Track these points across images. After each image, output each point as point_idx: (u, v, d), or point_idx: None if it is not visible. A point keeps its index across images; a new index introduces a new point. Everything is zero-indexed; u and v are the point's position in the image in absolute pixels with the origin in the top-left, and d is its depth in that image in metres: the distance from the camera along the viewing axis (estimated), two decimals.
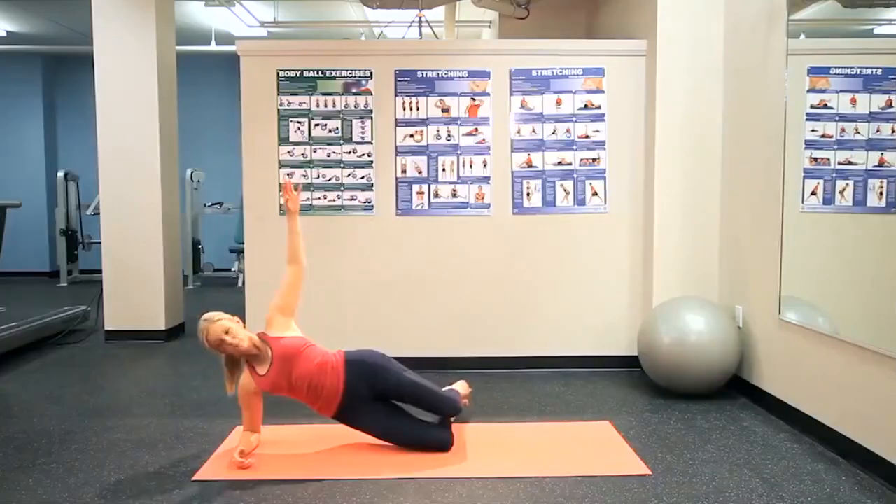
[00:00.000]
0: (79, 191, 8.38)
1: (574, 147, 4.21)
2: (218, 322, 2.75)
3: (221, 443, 3.00)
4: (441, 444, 2.87)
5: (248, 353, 2.81)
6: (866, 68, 2.81)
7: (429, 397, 2.90)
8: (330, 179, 4.20)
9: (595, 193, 4.22)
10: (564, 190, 4.21)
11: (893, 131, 2.69)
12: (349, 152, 4.19)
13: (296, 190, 3.01)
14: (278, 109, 4.18)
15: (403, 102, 4.19)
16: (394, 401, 2.95)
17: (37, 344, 4.90)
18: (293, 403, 3.53)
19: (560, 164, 4.21)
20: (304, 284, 3.00)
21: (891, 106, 2.67)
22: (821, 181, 3.01)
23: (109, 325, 5.09)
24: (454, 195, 4.21)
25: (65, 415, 3.40)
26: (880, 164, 2.72)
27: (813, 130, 3.05)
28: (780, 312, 3.31)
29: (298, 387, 2.81)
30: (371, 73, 4.19)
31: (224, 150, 9.11)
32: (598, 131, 4.20)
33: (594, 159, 4.21)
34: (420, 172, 4.21)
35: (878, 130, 2.74)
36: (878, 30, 2.89)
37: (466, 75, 4.19)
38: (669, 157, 4.01)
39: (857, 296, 2.85)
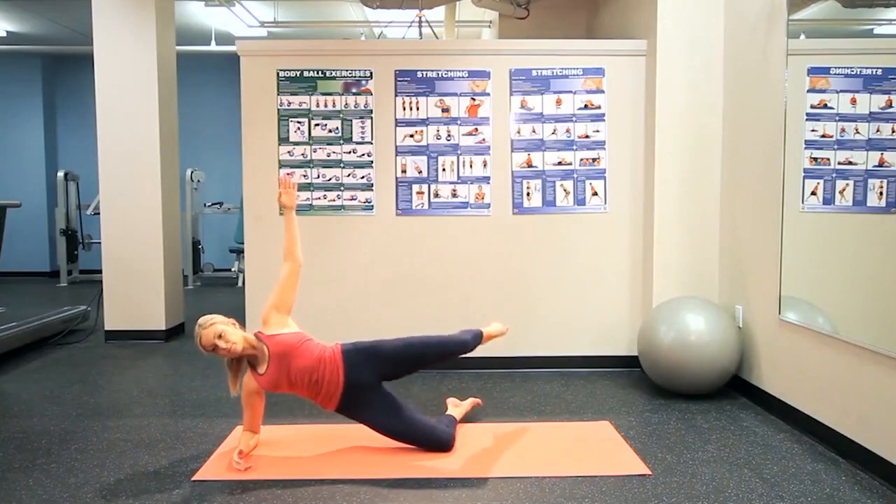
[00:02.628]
0: (79, 191, 8.38)
1: (574, 147, 4.21)
2: (211, 326, 2.74)
3: (221, 443, 3.00)
4: (442, 443, 2.87)
5: (245, 354, 2.81)
6: (866, 68, 2.81)
7: (435, 346, 2.94)
8: (330, 179, 4.20)
9: (595, 193, 4.22)
10: (564, 190, 4.21)
11: (893, 131, 2.69)
12: (349, 152, 4.19)
13: (290, 187, 3.00)
14: (278, 109, 4.18)
15: (403, 102, 4.19)
16: (403, 371, 2.94)
17: (37, 344, 4.90)
18: (293, 404, 3.54)
19: (560, 164, 4.21)
20: (301, 282, 2.99)
21: (891, 106, 2.67)
22: (821, 181, 3.02)
23: (109, 325, 5.09)
24: (454, 195, 4.21)
25: (65, 415, 3.40)
26: (880, 164, 2.72)
27: (813, 130, 3.05)
28: (780, 312, 3.31)
29: (298, 382, 2.81)
30: (371, 73, 4.19)
31: (224, 150, 9.11)
32: (598, 131, 4.20)
33: (594, 159, 4.21)
34: (420, 172, 4.21)
35: (878, 130, 2.74)
36: (878, 30, 2.89)
37: (466, 75, 4.19)
38: (669, 157, 4.01)
39: (857, 296, 2.85)
